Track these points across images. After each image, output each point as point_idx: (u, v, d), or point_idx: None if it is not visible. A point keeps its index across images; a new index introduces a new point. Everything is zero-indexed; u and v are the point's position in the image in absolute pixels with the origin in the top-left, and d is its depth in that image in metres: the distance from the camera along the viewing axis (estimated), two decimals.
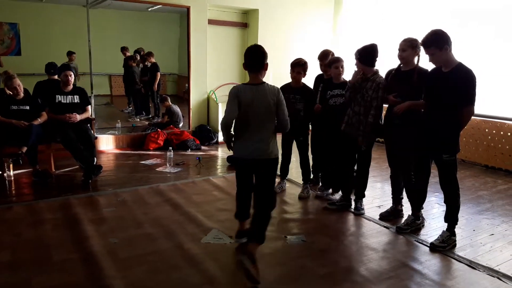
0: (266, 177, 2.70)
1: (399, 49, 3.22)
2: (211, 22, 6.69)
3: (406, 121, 3.22)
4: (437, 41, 2.81)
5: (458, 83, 2.82)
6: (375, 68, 3.46)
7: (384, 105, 3.48)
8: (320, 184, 4.31)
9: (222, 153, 5.96)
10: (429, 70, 3.11)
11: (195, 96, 6.68)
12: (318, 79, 4.24)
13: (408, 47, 3.16)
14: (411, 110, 3.18)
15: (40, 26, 9.97)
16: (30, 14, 9.85)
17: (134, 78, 8.41)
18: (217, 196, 4.06)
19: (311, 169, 4.36)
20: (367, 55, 3.40)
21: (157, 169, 4.95)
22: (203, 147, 6.20)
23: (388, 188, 3.87)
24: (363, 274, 2.64)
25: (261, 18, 6.97)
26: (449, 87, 2.86)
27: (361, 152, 3.60)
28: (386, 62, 3.84)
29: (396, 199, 3.63)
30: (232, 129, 2.69)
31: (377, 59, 3.43)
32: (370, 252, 2.96)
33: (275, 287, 2.46)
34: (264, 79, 2.65)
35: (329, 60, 3.94)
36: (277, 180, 4.36)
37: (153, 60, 7.97)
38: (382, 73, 3.48)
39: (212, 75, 6.81)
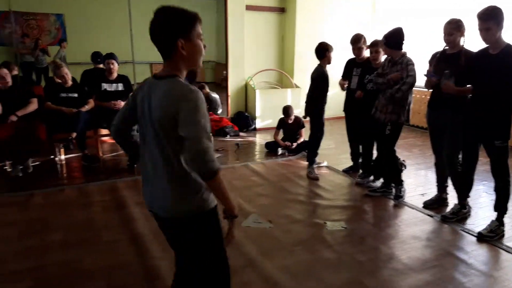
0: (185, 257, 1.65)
1: (445, 33, 3.07)
2: (248, 7, 6.66)
3: (453, 106, 3.09)
4: (497, 16, 2.66)
5: (508, 66, 2.66)
6: (403, 51, 3.40)
7: (427, 90, 3.36)
8: (361, 171, 4.25)
9: (260, 139, 5.99)
10: (475, 52, 2.96)
11: (233, 83, 6.73)
12: (350, 63, 4.16)
13: (454, 30, 3.02)
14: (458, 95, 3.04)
15: (84, 16, 10.37)
16: (75, 4, 10.24)
17: None
18: (256, 182, 4.10)
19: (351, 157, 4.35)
20: (394, 39, 3.35)
21: None
22: (241, 134, 6.26)
23: (432, 176, 3.76)
24: (405, 262, 2.60)
25: (299, 3, 6.85)
26: (497, 70, 2.70)
27: (386, 136, 3.51)
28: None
29: (441, 187, 3.52)
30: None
31: (403, 42, 3.37)
32: (413, 240, 2.90)
33: (314, 272, 2.48)
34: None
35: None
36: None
37: None
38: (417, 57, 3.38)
39: (249, 62, 6.81)
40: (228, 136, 6.02)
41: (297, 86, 6.89)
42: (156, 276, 2.38)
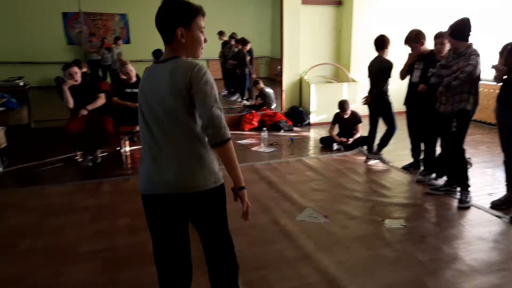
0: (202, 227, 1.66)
1: None
2: (304, 1, 6.61)
3: None
4: None
5: None
6: (469, 42, 3.20)
7: (496, 84, 3.14)
8: (422, 168, 4.08)
9: (314, 134, 5.95)
10: None
11: (288, 78, 6.72)
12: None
13: None
14: None
15: (146, 15, 10.85)
16: (138, 4, 10.75)
17: (229, 62, 8.73)
18: (311, 176, 4.09)
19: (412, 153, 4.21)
20: (460, 30, 3.16)
21: (252, 149, 5.15)
22: (295, 128, 6.25)
23: (500, 175, 3.52)
24: (469, 263, 2.47)
25: None
26: None
27: (452, 133, 3.32)
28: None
29: (511, 187, 3.28)
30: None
31: (470, 33, 3.16)
32: (478, 241, 2.75)
33: (372, 269, 2.44)
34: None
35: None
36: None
37: (246, 47, 8.19)
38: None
39: (305, 56, 6.76)
40: (282, 131, 6.04)
41: (353, 80, 6.73)
42: None
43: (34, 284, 2.28)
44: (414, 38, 3.80)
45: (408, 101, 4.04)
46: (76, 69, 4.59)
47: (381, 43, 4.20)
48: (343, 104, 4.93)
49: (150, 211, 1.61)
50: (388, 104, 4.35)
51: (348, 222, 3.06)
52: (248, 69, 7.97)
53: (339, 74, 7.16)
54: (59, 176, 4.16)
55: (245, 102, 7.86)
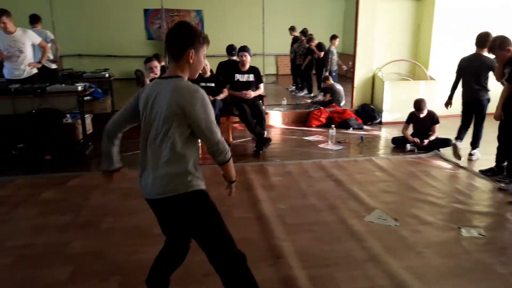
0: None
1: None
2: None
3: None
4: None
5: None
6: None
7: None
8: (505, 174, 3.76)
9: (386, 133, 5.73)
10: None
11: (360, 74, 6.53)
12: None
13: None
14: None
15: (220, 11, 11.21)
16: (213, 1, 11.12)
17: (298, 58, 8.70)
18: (381, 177, 3.95)
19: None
20: None
21: (319, 146, 5.10)
22: (365, 127, 6.06)
23: None
24: None
25: None
26: None
27: None
28: None
29: None
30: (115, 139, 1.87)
31: None
32: None
33: (445, 278, 2.30)
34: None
35: None
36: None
37: (312, 44, 8.12)
38: None
39: (379, 52, 6.52)
40: (351, 129, 5.89)
41: (431, 78, 6.35)
42: (280, 254, 2.50)
43: (113, 260, 2.49)
44: (499, 46, 3.61)
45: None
46: (156, 63, 4.87)
47: (485, 40, 4.02)
48: (419, 103, 4.68)
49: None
50: (487, 103, 4.26)
51: (420, 227, 2.91)
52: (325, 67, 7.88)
53: (416, 72, 6.80)
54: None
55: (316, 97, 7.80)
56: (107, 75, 6.24)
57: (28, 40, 4.84)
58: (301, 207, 3.24)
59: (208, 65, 5.10)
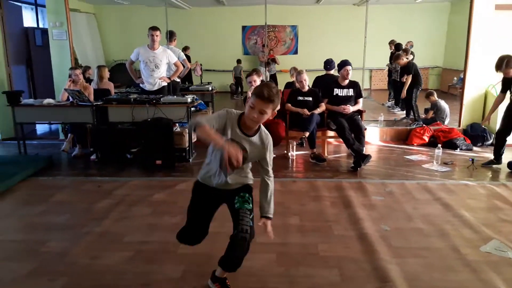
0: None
1: None
2: (498, 7, 5.83)
3: None
4: None
5: None
6: None
7: None
8: None
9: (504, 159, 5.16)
10: None
11: (470, 91, 6.02)
12: None
13: None
14: None
15: (314, 26, 11.30)
16: (307, 16, 11.26)
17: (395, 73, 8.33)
18: (497, 205, 3.58)
19: None
20: None
21: (422, 166, 4.79)
22: (475, 148, 5.56)
23: None
24: None
25: None
26: None
27: None
28: None
29: None
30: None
31: None
32: None
33: None
34: None
35: None
36: None
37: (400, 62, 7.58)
38: None
39: (492, 66, 5.93)
40: (458, 150, 5.44)
41: None
42: (387, 278, 2.39)
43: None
44: None
45: None
46: (255, 77, 5.02)
47: None
48: None
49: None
50: None
51: None
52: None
53: None
54: None
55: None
56: (210, 88, 6.66)
57: (166, 58, 5.34)
58: (407, 230, 3.06)
59: (307, 80, 5.14)
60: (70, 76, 5.29)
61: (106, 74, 5.91)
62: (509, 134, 4.71)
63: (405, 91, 6.85)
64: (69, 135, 5.59)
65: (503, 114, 4.73)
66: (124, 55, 10.05)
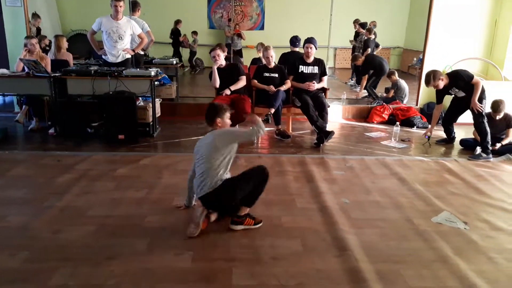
0: None
1: None
2: None
3: None
4: None
5: None
6: None
7: None
8: None
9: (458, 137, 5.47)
10: None
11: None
12: None
13: None
14: None
15: (281, 2, 11.21)
16: None
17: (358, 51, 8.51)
18: (448, 179, 3.82)
19: None
20: None
21: (381, 142, 5.00)
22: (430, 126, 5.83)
23: None
24: None
25: None
26: None
27: None
28: None
29: None
30: None
31: None
32: None
33: None
34: None
35: None
36: None
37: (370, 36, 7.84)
38: None
39: (450, 49, 6.20)
40: (415, 127, 5.71)
41: (506, 79, 5.97)
42: (345, 247, 2.52)
43: (186, 236, 2.64)
44: None
45: None
46: (219, 51, 4.96)
47: None
48: (498, 104, 4.42)
49: None
50: None
51: (491, 233, 2.80)
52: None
53: (488, 71, 6.42)
54: None
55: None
56: (174, 62, 6.51)
57: (130, 29, 5.12)
58: (365, 203, 3.23)
59: (274, 56, 5.15)
60: (25, 45, 5.00)
61: (65, 44, 5.62)
62: (451, 123, 5.06)
63: (362, 87, 7.27)
64: (23, 106, 5.32)
65: (448, 106, 5.08)
66: (82, 25, 9.56)
